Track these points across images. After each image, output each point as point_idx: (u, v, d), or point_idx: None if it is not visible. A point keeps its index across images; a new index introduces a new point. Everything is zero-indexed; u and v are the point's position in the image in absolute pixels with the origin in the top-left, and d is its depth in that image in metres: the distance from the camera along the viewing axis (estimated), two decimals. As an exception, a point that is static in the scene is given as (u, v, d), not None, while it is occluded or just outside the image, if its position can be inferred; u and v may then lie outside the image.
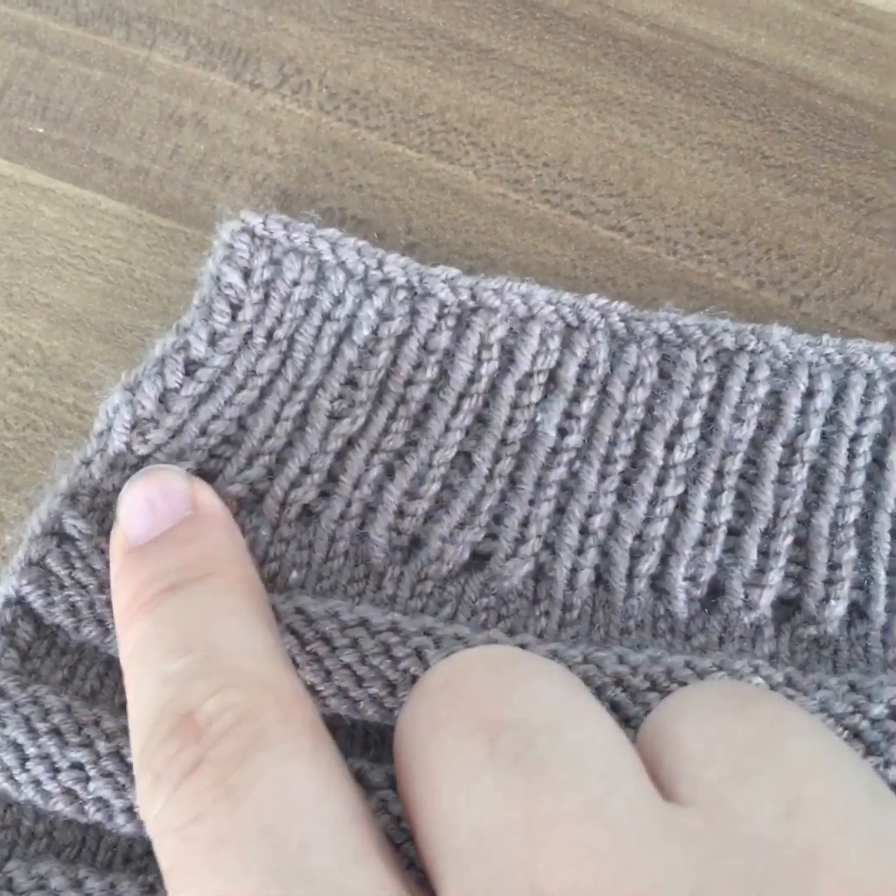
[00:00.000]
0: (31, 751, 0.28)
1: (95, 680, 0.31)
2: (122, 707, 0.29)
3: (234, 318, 0.34)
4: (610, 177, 0.38)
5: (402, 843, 0.25)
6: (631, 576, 0.32)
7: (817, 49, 0.39)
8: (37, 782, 0.28)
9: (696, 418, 0.33)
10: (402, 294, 0.34)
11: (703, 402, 0.33)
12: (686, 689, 0.25)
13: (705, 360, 0.33)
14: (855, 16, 0.39)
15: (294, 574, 0.32)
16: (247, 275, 0.34)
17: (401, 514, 0.32)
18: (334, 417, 0.33)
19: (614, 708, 0.28)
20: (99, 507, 0.32)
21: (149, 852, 0.29)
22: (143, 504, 0.29)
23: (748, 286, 0.36)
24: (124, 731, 0.29)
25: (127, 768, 0.28)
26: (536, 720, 0.21)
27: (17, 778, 0.28)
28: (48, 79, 0.39)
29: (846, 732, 0.28)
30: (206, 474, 0.32)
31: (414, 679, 0.29)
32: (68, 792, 0.28)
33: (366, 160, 0.38)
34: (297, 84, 0.39)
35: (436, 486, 0.32)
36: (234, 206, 0.36)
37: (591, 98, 0.38)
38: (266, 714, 0.23)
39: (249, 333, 0.34)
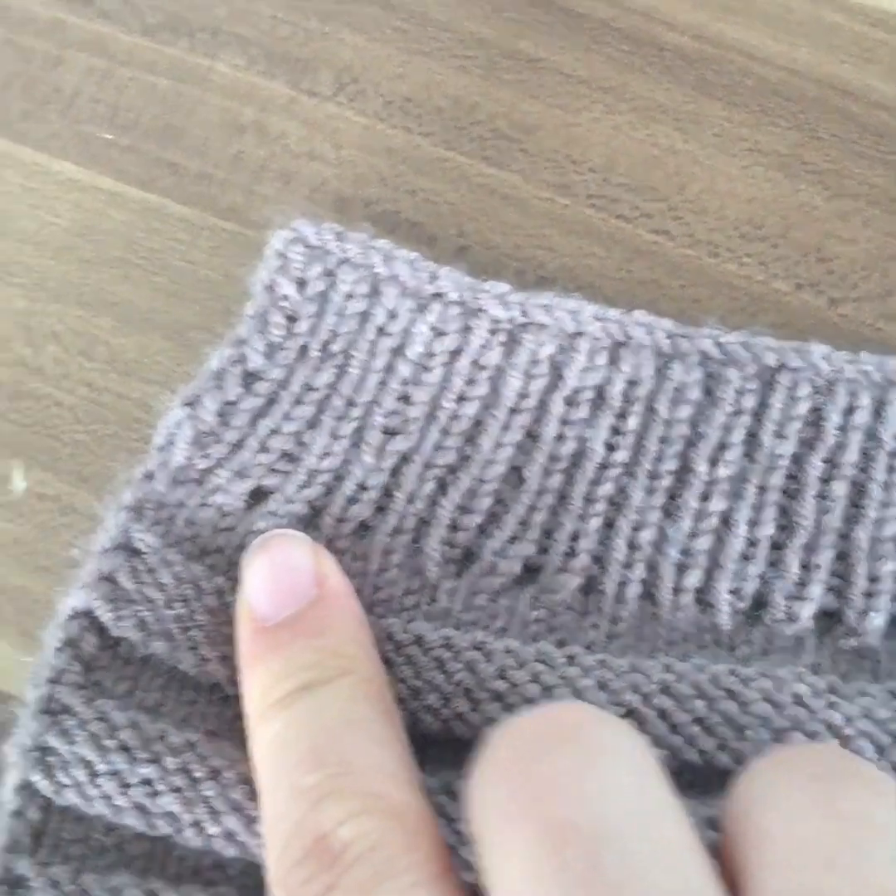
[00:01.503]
0: (100, 767, 0.29)
1: (158, 691, 0.31)
2: (185, 720, 0.31)
3: (289, 330, 0.34)
4: (654, 182, 0.39)
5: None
6: (677, 589, 0.32)
7: (855, 59, 0.40)
8: (107, 797, 0.29)
9: (739, 434, 0.33)
10: (454, 310, 0.35)
11: (746, 418, 0.34)
12: (775, 761, 0.25)
13: (748, 378, 0.34)
14: (892, 26, 0.41)
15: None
16: (301, 286, 0.35)
17: (454, 528, 0.33)
18: (389, 433, 0.34)
19: (661, 715, 0.29)
20: (163, 520, 0.32)
21: (217, 865, 0.30)
22: (268, 580, 0.30)
23: (787, 288, 0.38)
24: (189, 745, 0.29)
25: (194, 783, 0.29)
26: (605, 828, 0.21)
27: (87, 793, 0.29)
28: (117, 87, 0.41)
29: (888, 738, 0.29)
30: (266, 490, 0.33)
31: (467, 691, 0.30)
32: (138, 807, 0.29)
33: (419, 166, 0.39)
34: (353, 92, 0.40)
35: (488, 501, 0.33)
36: (287, 213, 0.38)
37: (635, 106, 0.40)
38: (395, 841, 0.24)
39: (305, 347, 0.34)
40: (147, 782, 0.29)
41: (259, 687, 0.29)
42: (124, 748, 0.29)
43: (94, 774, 0.29)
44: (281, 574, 0.30)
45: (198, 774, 0.29)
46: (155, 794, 0.29)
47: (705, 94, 0.40)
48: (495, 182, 0.39)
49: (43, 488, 0.37)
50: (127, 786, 0.29)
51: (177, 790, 0.29)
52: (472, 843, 0.24)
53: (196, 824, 0.29)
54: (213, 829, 0.29)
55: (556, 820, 0.21)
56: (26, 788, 0.30)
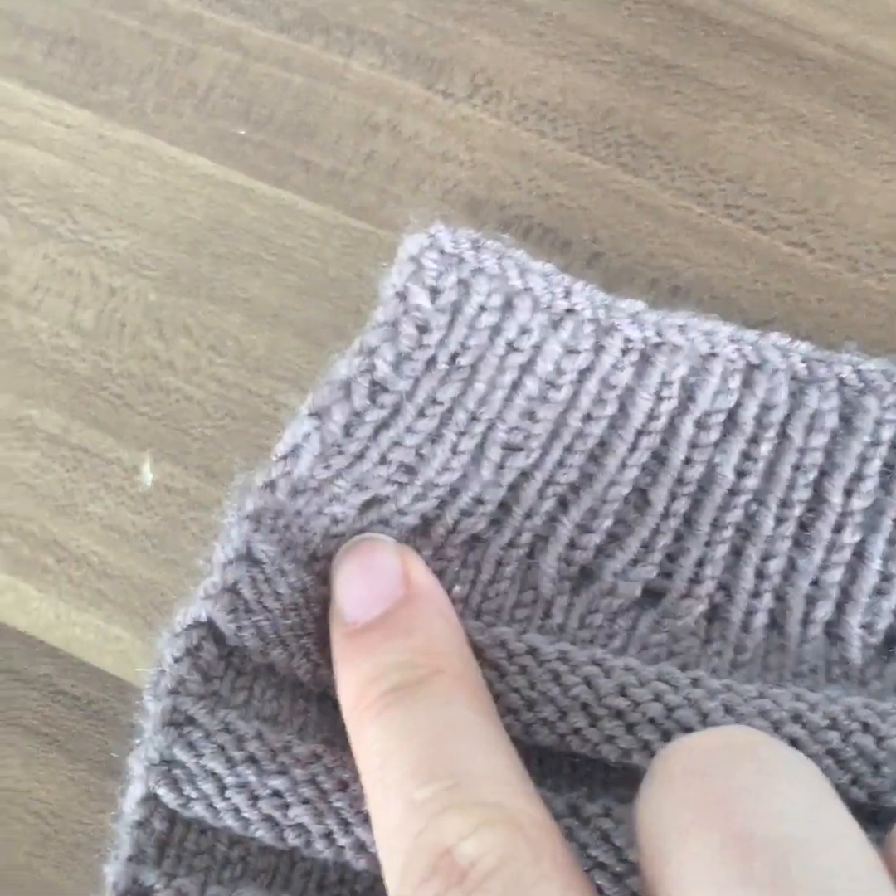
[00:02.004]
0: (229, 780, 0.29)
1: (273, 700, 0.31)
2: (301, 729, 0.31)
3: (419, 341, 0.33)
4: (792, 193, 0.38)
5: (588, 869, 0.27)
6: (806, 621, 0.32)
7: None
8: (236, 810, 0.29)
9: (875, 465, 0.32)
10: (588, 327, 0.34)
11: (884, 449, 0.33)
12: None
13: (887, 408, 0.33)
14: None
15: (457, 588, 0.32)
16: (434, 295, 0.34)
17: (572, 545, 0.32)
18: (510, 449, 0.33)
19: (793, 743, 0.29)
20: (280, 530, 0.32)
21: (343, 880, 0.30)
22: (356, 582, 0.30)
23: (929, 306, 0.37)
24: (316, 756, 0.29)
25: (323, 794, 0.29)
26: (789, 840, 0.21)
27: (216, 806, 0.29)
28: (251, 83, 0.41)
29: None
30: (379, 499, 0.33)
31: (584, 705, 0.30)
32: (268, 819, 0.29)
33: (553, 170, 0.39)
34: (488, 94, 0.40)
35: (609, 521, 0.33)
36: (423, 216, 0.37)
37: (775, 116, 0.39)
38: (521, 854, 0.24)
39: (433, 359, 0.33)
40: (277, 794, 0.29)
41: (351, 690, 0.28)
42: (252, 760, 0.29)
43: (222, 787, 0.29)
44: (367, 575, 0.30)
45: (326, 786, 0.29)
46: (285, 806, 0.29)
47: (847, 106, 0.39)
48: (631, 189, 0.39)
49: (171, 482, 0.37)
50: (256, 798, 0.29)
51: (307, 802, 0.29)
52: (644, 854, 0.24)
53: (327, 836, 0.29)
54: (344, 840, 0.29)
55: (741, 831, 0.21)
56: (151, 800, 0.30)
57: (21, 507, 0.37)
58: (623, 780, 0.30)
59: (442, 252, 0.34)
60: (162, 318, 0.38)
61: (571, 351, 0.34)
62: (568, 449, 0.33)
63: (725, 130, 0.39)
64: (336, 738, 0.31)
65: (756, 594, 0.32)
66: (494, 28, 0.41)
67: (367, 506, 0.33)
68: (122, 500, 0.37)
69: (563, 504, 0.33)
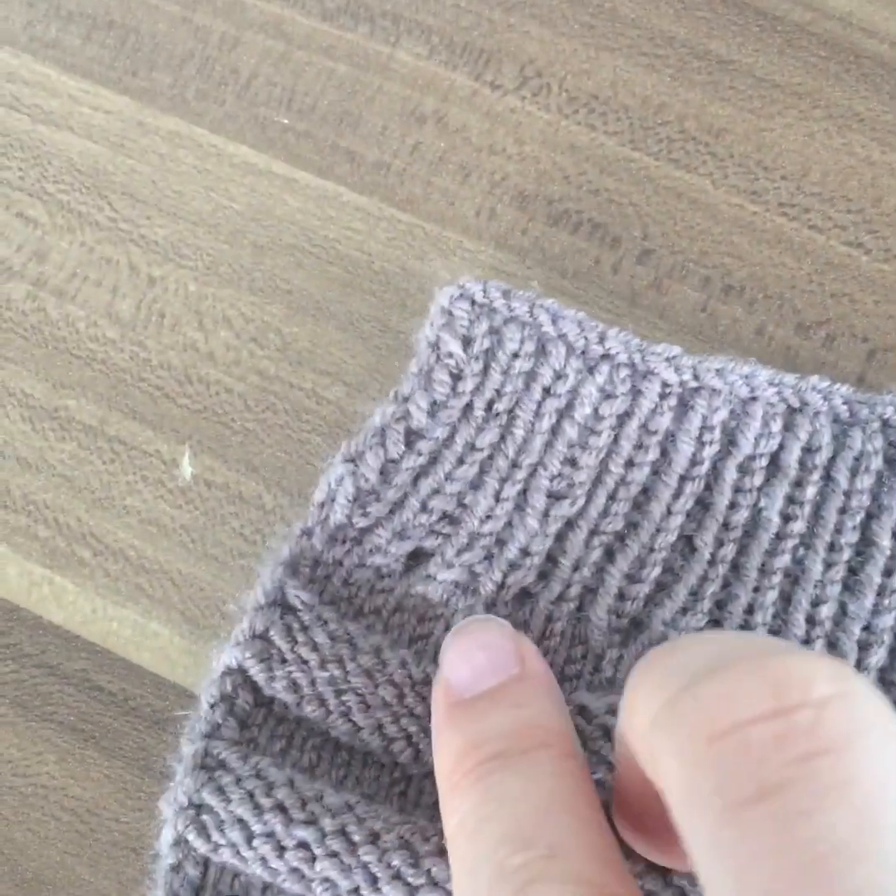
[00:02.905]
0: (256, 828, 0.28)
1: (313, 752, 0.31)
2: (340, 783, 0.30)
3: (453, 388, 0.33)
4: (848, 193, 0.38)
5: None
6: (859, 667, 0.31)
7: None
8: (263, 860, 0.28)
9: None
10: (624, 371, 0.33)
11: None
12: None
13: None
14: None
15: None
16: (467, 343, 0.33)
17: (621, 596, 0.32)
18: (554, 497, 0.33)
19: None
20: (319, 579, 0.32)
21: None
22: (469, 654, 0.29)
23: None
24: (348, 807, 0.29)
25: (352, 847, 0.28)
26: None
27: (244, 855, 0.28)
28: (294, 71, 0.40)
29: None
30: (425, 552, 0.32)
31: None
32: (295, 871, 0.28)
33: (603, 165, 0.38)
34: (537, 87, 0.39)
35: (657, 570, 0.32)
36: (452, 270, 0.37)
37: (830, 113, 0.38)
38: None
39: (469, 405, 0.33)
40: (304, 845, 0.28)
41: (452, 754, 0.27)
42: (281, 808, 0.29)
43: (250, 836, 0.28)
44: (482, 650, 0.29)
45: (356, 838, 0.28)
46: (312, 858, 0.28)
47: (904, 105, 0.38)
48: (682, 185, 0.38)
49: (211, 475, 0.36)
50: (283, 849, 0.28)
51: (334, 855, 0.28)
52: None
53: (355, 891, 0.28)
54: None
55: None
56: (183, 844, 0.29)
57: (57, 500, 0.36)
58: None
59: (473, 302, 0.34)
60: (202, 309, 0.37)
61: (609, 395, 0.33)
62: (612, 497, 0.33)
63: (780, 127, 0.38)
64: (379, 795, 0.30)
65: (808, 641, 0.31)
66: (544, 19, 0.40)
67: (412, 558, 0.33)
68: (161, 494, 0.36)
69: (609, 554, 0.32)
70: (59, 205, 0.39)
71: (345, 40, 0.40)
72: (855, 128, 0.38)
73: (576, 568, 0.32)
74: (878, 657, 0.31)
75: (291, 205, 0.38)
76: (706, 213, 0.38)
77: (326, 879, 0.28)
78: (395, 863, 0.28)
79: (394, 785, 0.31)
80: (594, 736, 0.29)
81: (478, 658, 0.29)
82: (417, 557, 0.33)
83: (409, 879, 0.28)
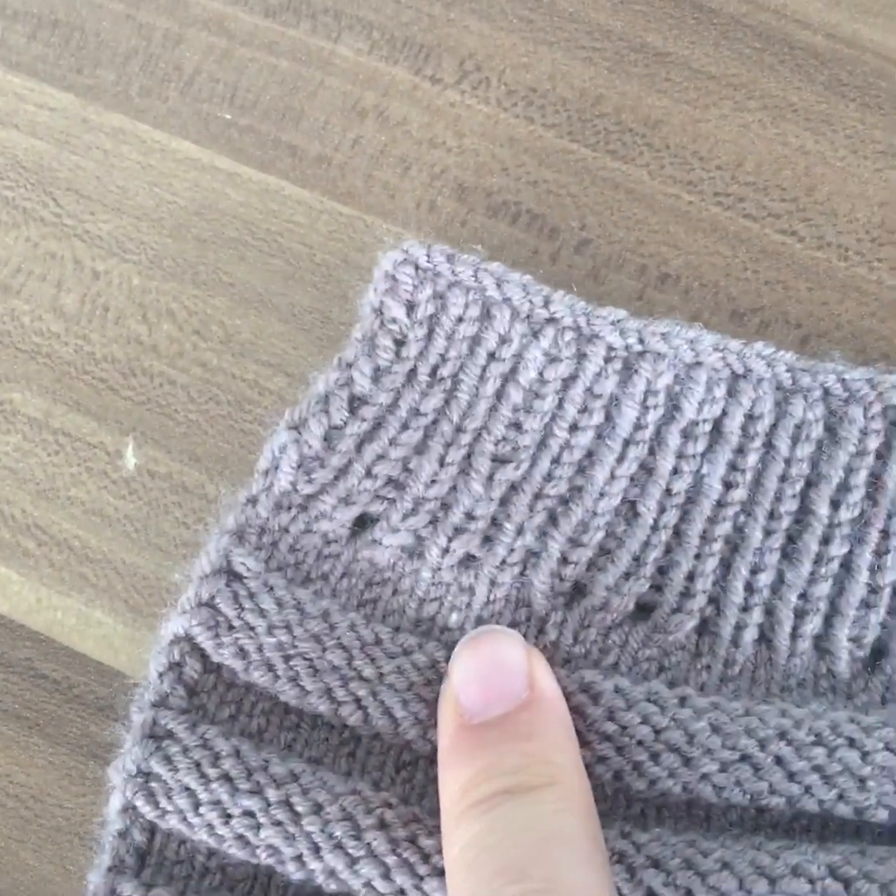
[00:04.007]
0: (203, 796, 0.29)
1: (262, 717, 0.31)
2: (289, 747, 0.31)
3: (397, 354, 0.34)
4: (782, 182, 0.38)
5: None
6: (795, 635, 0.32)
7: None
8: (210, 826, 0.29)
9: (861, 476, 0.32)
10: (568, 335, 0.33)
11: (870, 459, 0.32)
12: None
13: (872, 417, 0.33)
14: None
15: (454, 616, 0.32)
16: (410, 309, 0.34)
17: (564, 560, 0.32)
18: (498, 461, 0.33)
19: (778, 762, 0.29)
20: (265, 546, 0.32)
21: (319, 892, 0.29)
22: (480, 675, 0.29)
23: (919, 295, 0.37)
24: (293, 776, 0.29)
25: (296, 817, 0.29)
26: None
27: (191, 821, 0.29)
28: (237, 67, 0.40)
29: None
30: (371, 518, 0.33)
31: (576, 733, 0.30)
32: (240, 838, 0.29)
33: (542, 157, 0.39)
34: (476, 80, 0.40)
35: (600, 535, 0.32)
36: (396, 234, 0.37)
37: (765, 104, 0.39)
38: None
39: (413, 371, 0.33)
40: (249, 814, 0.29)
41: (459, 784, 0.28)
42: (227, 778, 0.29)
43: (196, 803, 0.29)
44: (493, 672, 0.29)
45: (300, 808, 0.29)
46: (257, 826, 0.29)
47: (838, 95, 0.39)
48: (619, 176, 0.38)
49: (155, 466, 0.36)
50: (229, 816, 0.29)
51: (278, 824, 0.29)
52: None
53: (298, 859, 0.29)
54: (314, 865, 0.29)
55: None
56: (130, 810, 0.30)
57: (2, 491, 0.36)
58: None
59: (417, 267, 0.34)
60: (145, 303, 0.38)
61: (553, 359, 0.33)
62: (556, 461, 0.33)
63: (715, 118, 0.39)
64: (328, 757, 0.31)
65: (746, 608, 0.32)
66: (483, 13, 0.40)
67: (359, 524, 0.33)
68: (105, 485, 0.36)
69: (553, 518, 0.33)
70: (4, 201, 0.39)
71: (287, 36, 0.40)
72: (789, 118, 0.39)
73: (519, 532, 0.32)
74: (813, 625, 0.32)
75: (234, 199, 0.39)
76: (643, 204, 0.38)
77: (270, 847, 0.29)
78: (338, 833, 0.28)
79: (343, 746, 0.31)
80: (599, 717, 0.30)
81: (489, 680, 0.29)
82: (364, 523, 0.33)
83: (350, 850, 0.28)
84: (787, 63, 0.39)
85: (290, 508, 0.32)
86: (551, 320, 0.34)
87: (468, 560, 0.32)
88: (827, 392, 0.33)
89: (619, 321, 0.33)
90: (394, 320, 0.34)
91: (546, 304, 0.34)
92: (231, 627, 0.31)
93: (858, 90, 0.39)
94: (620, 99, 0.39)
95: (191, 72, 0.40)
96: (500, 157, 0.39)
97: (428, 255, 0.34)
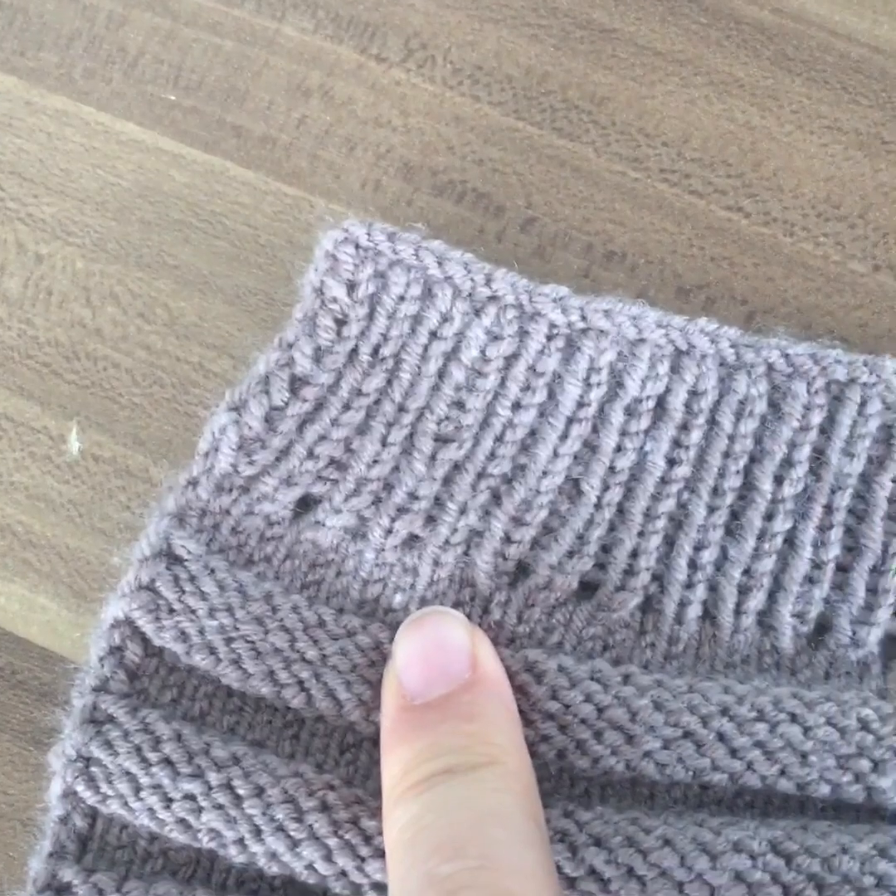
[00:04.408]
0: (143, 780, 0.29)
1: (204, 700, 0.31)
2: (232, 729, 0.30)
3: (338, 333, 0.33)
4: (728, 158, 0.38)
5: None
6: (738, 611, 0.32)
7: (940, 37, 0.39)
8: (151, 811, 0.29)
9: (805, 451, 0.32)
10: (511, 313, 0.33)
11: (813, 434, 0.33)
12: None
13: (816, 392, 0.33)
14: (980, 4, 0.39)
15: (398, 597, 0.32)
16: (351, 288, 0.34)
17: (507, 540, 0.32)
18: (441, 440, 0.33)
19: (720, 738, 0.29)
20: (207, 529, 0.32)
21: (261, 876, 0.29)
22: (422, 656, 0.29)
23: (864, 269, 0.37)
24: (235, 760, 0.29)
25: (238, 800, 0.29)
26: None
27: (132, 805, 0.29)
28: (181, 48, 0.40)
29: None
30: (313, 498, 0.33)
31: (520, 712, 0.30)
32: (182, 821, 0.29)
33: (487, 135, 0.39)
34: (421, 59, 0.39)
35: (543, 513, 0.32)
36: (336, 214, 0.37)
37: (711, 80, 0.39)
38: None
39: (355, 350, 0.33)
40: (190, 797, 0.29)
41: (400, 765, 0.28)
42: (168, 762, 0.29)
43: (137, 788, 0.29)
44: (435, 653, 0.29)
45: (241, 792, 0.29)
46: (198, 810, 0.29)
47: (784, 70, 0.39)
48: (565, 153, 0.38)
49: (99, 450, 0.36)
50: (170, 800, 0.29)
51: (220, 807, 0.29)
52: None
53: (239, 842, 0.29)
54: (255, 848, 0.29)
55: None
56: (71, 796, 0.30)
57: (-57, 477, 0.36)
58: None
59: (357, 246, 0.34)
60: (89, 286, 0.38)
61: (495, 337, 0.33)
62: (499, 439, 0.33)
63: (661, 95, 0.39)
64: (271, 740, 0.31)
65: (689, 585, 0.32)
66: (429, -8, 0.40)
67: (301, 505, 0.33)
68: (49, 469, 0.36)
69: (496, 497, 0.33)
70: (-52, 185, 0.39)
71: (231, 16, 0.40)
72: (735, 93, 0.39)
73: (462, 512, 0.32)
74: (756, 601, 0.32)
75: (178, 180, 0.38)
76: (589, 181, 0.38)
77: (212, 830, 0.29)
78: (279, 816, 0.28)
79: (286, 728, 0.31)
80: (542, 696, 0.30)
81: (431, 660, 0.29)
82: (306, 504, 0.33)
83: (292, 832, 0.28)
84: (733, 38, 0.39)
85: (231, 490, 0.32)
86: (493, 298, 0.33)
87: (411, 540, 0.32)
88: (771, 367, 0.33)
89: (561, 299, 0.33)
90: (334, 300, 0.34)
91: (488, 282, 0.33)
92: (171, 610, 0.31)
93: (804, 65, 0.39)
94: (566, 76, 0.39)
95: (135, 53, 0.40)
96: (446, 135, 0.39)
97: (369, 234, 0.34)
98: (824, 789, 0.29)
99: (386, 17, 0.40)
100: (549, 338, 0.33)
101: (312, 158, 0.39)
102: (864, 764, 0.29)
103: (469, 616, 0.31)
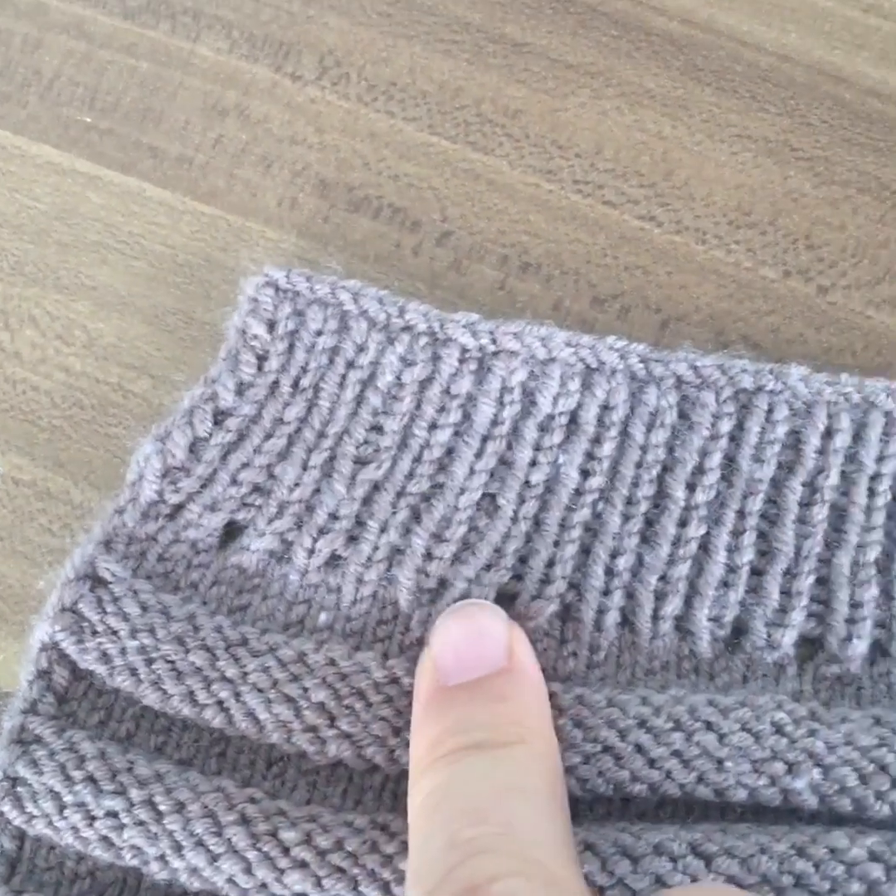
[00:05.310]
0: (67, 798, 0.29)
1: (131, 722, 0.31)
2: (159, 749, 0.31)
3: (260, 368, 0.34)
4: (640, 168, 0.38)
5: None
6: (656, 617, 0.32)
7: (846, 44, 0.40)
8: (75, 829, 0.29)
9: (716, 459, 0.33)
10: (423, 340, 0.34)
11: (723, 442, 0.33)
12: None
13: (724, 401, 0.33)
14: (883, 12, 0.40)
15: (323, 616, 0.32)
16: (272, 326, 0.35)
17: (428, 556, 0.33)
18: (360, 463, 0.34)
19: (638, 750, 0.29)
20: (134, 555, 0.33)
21: (186, 894, 0.29)
22: (460, 641, 0.29)
23: (775, 275, 0.37)
24: (157, 777, 0.29)
25: (159, 816, 0.29)
26: None
27: (56, 824, 0.29)
28: (96, 70, 0.40)
29: (872, 765, 0.29)
30: (237, 525, 0.33)
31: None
32: (104, 839, 0.29)
33: (402, 150, 0.39)
34: (336, 76, 0.40)
35: (462, 529, 0.33)
36: (256, 260, 0.37)
37: (623, 91, 0.39)
38: None
39: (276, 383, 0.34)
40: (112, 815, 0.29)
41: (428, 739, 0.28)
42: (91, 779, 0.29)
43: (61, 806, 0.29)
44: (473, 639, 0.29)
45: (163, 807, 0.29)
46: (120, 827, 0.29)
47: (694, 80, 0.39)
48: (480, 167, 0.39)
49: (18, 473, 0.36)
50: (93, 818, 0.29)
51: (141, 823, 0.29)
52: None
53: (161, 858, 0.29)
54: (177, 863, 0.29)
55: None
56: None
57: None
58: None
59: (277, 288, 0.35)
60: (7, 309, 0.38)
61: (410, 363, 0.34)
62: (416, 459, 0.34)
63: (574, 107, 0.39)
64: (197, 759, 0.31)
65: (606, 592, 0.32)
66: (342, 10, 0.40)
67: (228, 533, 0.33)
68: (-33, 494, 0.36)
69: (416, 515, 0.33)
70: None
71: (146, 38, 0.40)
72: (646, 104, 0.39)
73: (383, 529, 0.33)
74: (673, 606, 0.32)
75: (95, 202, 0.39)
76: (503, 194, 0.38)
77: (134, 847, 0.29)
78: (199, 831, 0.29)
79: (213, 746, 0.31)
80: (564, 726, 0.30)
81: (468, 644, 0.29)
82: (232, 533, 0.33)
83: (211, 847, 0.29)
84: (643, 50, 0.40)
85: (157, 518, 0.33)
86: (406, 328, 0.34)
87: (334, 560, 0.33)
88: (679, 380, 0.34)
89: (471, 324, 0.34)
90: (255, 337, 0.35)
91: (401, 313, 0.35)
92: (95, 632, 0.31)
93: (714, 75, 0.39)
94: (480, 90, 0.39)
95: (50, 76, 0.40)
96: (361, 151, 0.39)
97: (288, 277, 0.35)
98: (742, 794, 0.29)
99: (300, 36, 0.40)
100: (462, 361, 0.34)
101: (229, 177, 0.39)
102: (779, 767, 0.29)
103: (391, 635, 0.32)
